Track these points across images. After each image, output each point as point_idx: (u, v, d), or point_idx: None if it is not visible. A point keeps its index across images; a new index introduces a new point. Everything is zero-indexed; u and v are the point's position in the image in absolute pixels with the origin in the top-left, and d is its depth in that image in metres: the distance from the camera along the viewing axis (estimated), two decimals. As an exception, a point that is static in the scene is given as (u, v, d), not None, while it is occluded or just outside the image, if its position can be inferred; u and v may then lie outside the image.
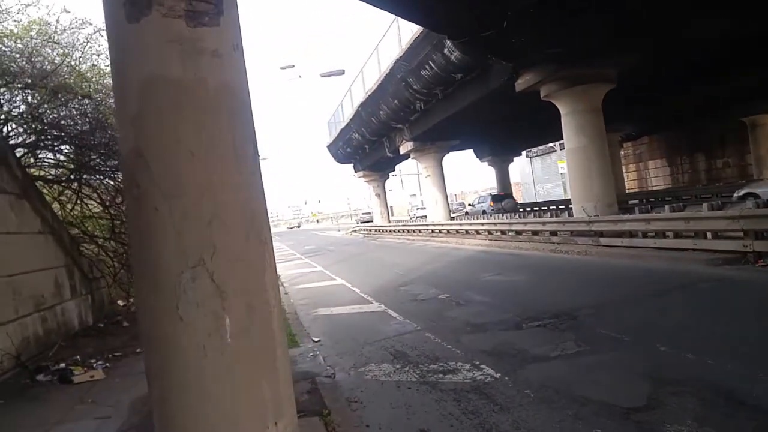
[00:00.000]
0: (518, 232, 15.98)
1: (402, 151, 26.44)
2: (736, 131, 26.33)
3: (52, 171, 9.52)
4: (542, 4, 10.10)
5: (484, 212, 30.35)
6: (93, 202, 10.06)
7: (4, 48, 7.76)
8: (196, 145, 2.04)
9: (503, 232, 17.00)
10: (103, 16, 2.18)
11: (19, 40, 7.91)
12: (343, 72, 21.23)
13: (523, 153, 43.08)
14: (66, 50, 8.41)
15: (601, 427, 3.33)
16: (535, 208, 29.76)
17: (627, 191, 29.17)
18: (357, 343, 6.37)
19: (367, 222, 46.86)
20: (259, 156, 2.40)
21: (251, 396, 2.14)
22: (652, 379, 3.99)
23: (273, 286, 2.32)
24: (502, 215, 23.44)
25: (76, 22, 8.49)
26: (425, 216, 32.99)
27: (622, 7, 10.49)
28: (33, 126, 8.28)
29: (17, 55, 7.83)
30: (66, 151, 9.26)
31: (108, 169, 9.37)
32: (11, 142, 7.97)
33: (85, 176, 9.32)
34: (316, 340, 6.88)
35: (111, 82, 2.70)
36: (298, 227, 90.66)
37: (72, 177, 9.30)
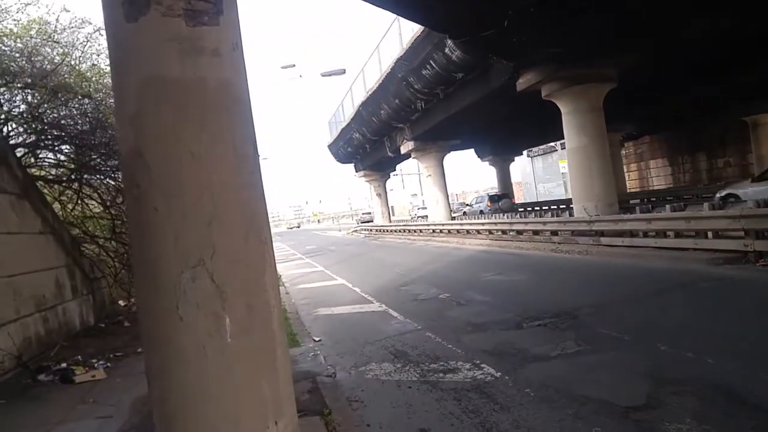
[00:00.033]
0: (519, 232, 15.96)
1: (403, 150, 26.43)
2: (738, 131, 26.28)
3: (53, 171, 9.50)
4: (542, 4, 10.09)
5: (481, 212, 30.59)
6: (94, 202, 10.06)
7: (3, 47, 7.73)
8: (195, 145, 2.03)
9: (504, 232, 16.99)
10: (102, 15, 2.17)
11: (18, 40, 7.88)
12: (343, 71, 21.19)
13: (524, 152, 43.06)
14: (66, 49, 8.38)
15: (601, 425, 3.33)
16: (536, 208, 29.74)
17: (628, 191, 29.13)
18: (358, 343, 6.37)
19: (367, 222, 46.91)
20: (258, 156, 2.40)
21: (251, 396, 2.14)
22: (653, 378, 3.99)
23: (273, 286, 2.32)
24: (503, 215, 23.44)
25: (76, 21, 8.47)
26: (426, 216, 33.03)
27: (621, 7, 10.48)
28: (33, 126, 8.26)
29: (17, 55, 7.80)
30: (66, 150, 9.24)
31: (109, 169, 9.36)
32: (11, 141, 7.94)
33: (85, 176, 9.30)
34: (317, 339, 6.89)
35: (111, 81, 2.70)
36: (298, 227, 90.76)
37: (72, 177, 9.29)
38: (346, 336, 6.89)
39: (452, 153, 28.50)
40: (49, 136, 8.67)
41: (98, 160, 9.18)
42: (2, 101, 8.05)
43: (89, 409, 4.71)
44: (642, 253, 10.40)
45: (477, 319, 6.78)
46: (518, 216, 22.86)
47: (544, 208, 28.58)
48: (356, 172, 39.01)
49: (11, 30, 7.81)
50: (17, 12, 7.84)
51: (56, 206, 8.89)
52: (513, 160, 39.37)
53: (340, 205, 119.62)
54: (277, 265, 2.53)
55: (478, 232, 19.04)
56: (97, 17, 8.79)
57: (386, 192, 40.02)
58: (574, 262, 11.11)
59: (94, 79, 8.73)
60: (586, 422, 3.41)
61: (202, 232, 2.04)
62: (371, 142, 29.80)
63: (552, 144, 38.62)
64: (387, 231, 30.45)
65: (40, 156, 9.03)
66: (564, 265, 11.01)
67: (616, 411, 3.52)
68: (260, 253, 2.23)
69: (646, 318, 5.82)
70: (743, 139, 26.20)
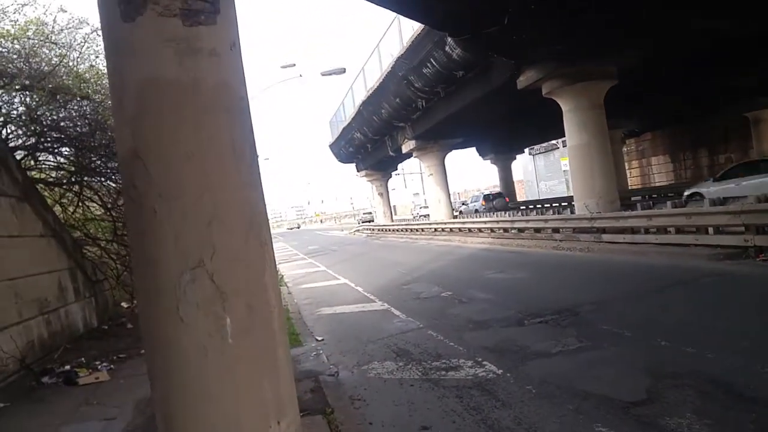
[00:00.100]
0: (521, 230, 15.96)
1: (404, 149, 26.43)
2: (739, 127, 26.20)
3: (53, 173, 9.46)
4: (543, 3, 10.08)
5: (476, 211, 30.86)
6: (95, 205, 10.04)
7: (1, 49, 7.68)
8: (194, 145, 2.02)
9: (506, 230, 16.99)
10: (98, 15, 2.17)
11: (16, 41, 7.79)
12: (344, 70, 21.16)
13: (526, 150, 43.08)
14: (64, 51, 8.30)
15: (602, 421, 3.34)
16: (538, 206, 29.71)
17: (630, 188, 29.10)
18: (360, 342, 6.39)
19: (368, 221, 46.98)
20: (257, 155, 2.40)
21: (252, 396, 2.14)
22: (653, 373, 3.99)
23: (273, 286, 2.31)
24: (504, 213, 23.42)
25: (74, 21, 8.37)
26: (428, 215, 33.06)
27: (621, 7, 10.46)
28: (32, 128, 8.21)
29: (14, 56, 7.73)
30: (66, 153, 9.19)
31: (109, 170, 9.33)
32: (11, 144, 7.90)
33: (86, 178, 9.28)
34: (319, 338, 6.90)
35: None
36: (298, 228, 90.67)
37: (73, 179, 9.26)
38: (349, 335, 6.90)
39: (454, 152, 28.54)
40: (49, 139, 8.64)
41: (98, 162, 9.15)
42: (0, 103, 8.03)
43: (93, 411, 4.73)
44: (643, 249, 10.40)
45: (479, 316, 6.79)
46: (520, 214, 22.83)
47: (545, 205, 28.55)
48: (358, 171, 38.98)
49: (8, 31, 7.71)
50: (14, 12, 7.74)
51: (57, 209, 8.88)
52: (515, 158, 39.37)
53: (342, 205, 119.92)
54: (279, 265, 2.54)
55: (479, 230, 19.04)
56: (95, 17, 8.76)
57: (388, 191, 40.00)
58: (575, 260, 11.11)
59: (92, 80, 8.66)
60: (588, 418, 3.42)
61: (202, 232, 2.03)
62: (372, 142, 29.79)
63: (554, 141, 38.59)
64: (389, 230, 30.48)
65: (40, 158, 8.99)
66: (565, 262, 11.01)
67: (617, 406, 3.53)
68: (260, 253, 2.22)
69: (647, 314, 5.82)
70: (745, 135, 26.11)
